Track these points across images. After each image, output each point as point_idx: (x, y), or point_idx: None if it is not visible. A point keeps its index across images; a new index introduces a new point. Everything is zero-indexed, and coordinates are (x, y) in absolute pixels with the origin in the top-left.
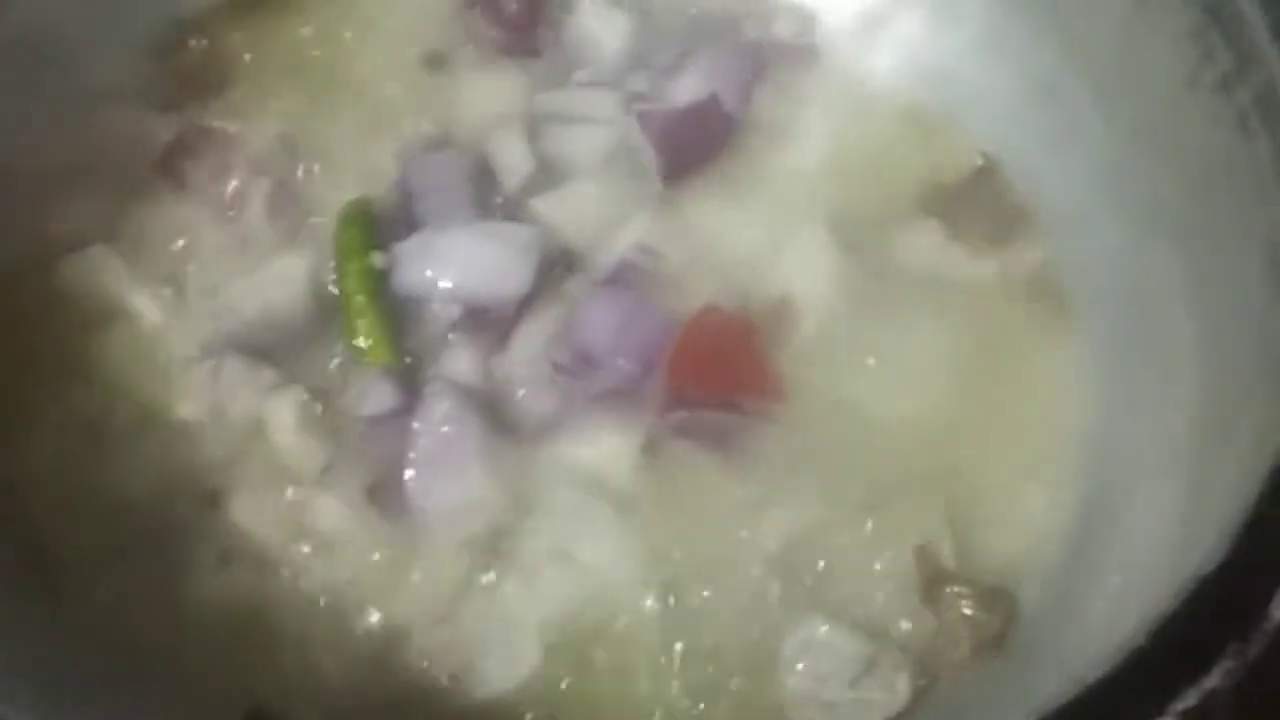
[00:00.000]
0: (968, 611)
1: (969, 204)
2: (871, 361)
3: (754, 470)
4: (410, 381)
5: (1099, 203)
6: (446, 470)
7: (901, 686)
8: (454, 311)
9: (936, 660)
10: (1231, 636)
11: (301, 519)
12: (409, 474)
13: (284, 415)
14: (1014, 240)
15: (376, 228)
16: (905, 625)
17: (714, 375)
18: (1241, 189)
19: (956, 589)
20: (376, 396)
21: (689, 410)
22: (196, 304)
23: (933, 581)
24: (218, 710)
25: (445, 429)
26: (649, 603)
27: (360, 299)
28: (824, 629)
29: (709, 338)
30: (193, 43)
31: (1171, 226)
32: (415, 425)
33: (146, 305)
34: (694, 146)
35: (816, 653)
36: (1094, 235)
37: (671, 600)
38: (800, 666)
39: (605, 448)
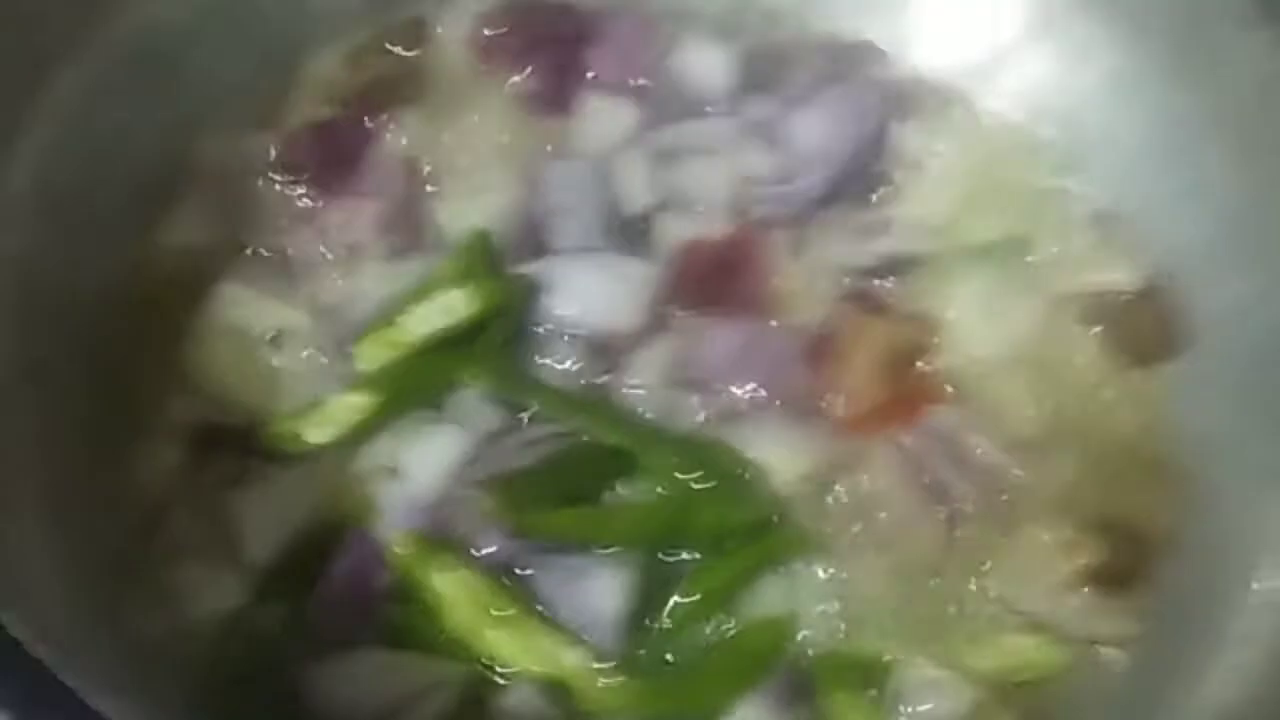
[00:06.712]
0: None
1: (1131, 321)
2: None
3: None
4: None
5: (1228, 253)
6: None
7: None
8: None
9: None
10: None
11: None
12: None
13: None
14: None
15: (497, 255)
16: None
17: (886, 397)
18: None
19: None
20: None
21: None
22: (304, 313)
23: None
24: None
25: None
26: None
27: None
28: (930, 672)
29: (874, 356)
30: (315, 58)
31: None
32: None
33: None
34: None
35: (921, 697)
36: (1223, 286)
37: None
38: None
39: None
